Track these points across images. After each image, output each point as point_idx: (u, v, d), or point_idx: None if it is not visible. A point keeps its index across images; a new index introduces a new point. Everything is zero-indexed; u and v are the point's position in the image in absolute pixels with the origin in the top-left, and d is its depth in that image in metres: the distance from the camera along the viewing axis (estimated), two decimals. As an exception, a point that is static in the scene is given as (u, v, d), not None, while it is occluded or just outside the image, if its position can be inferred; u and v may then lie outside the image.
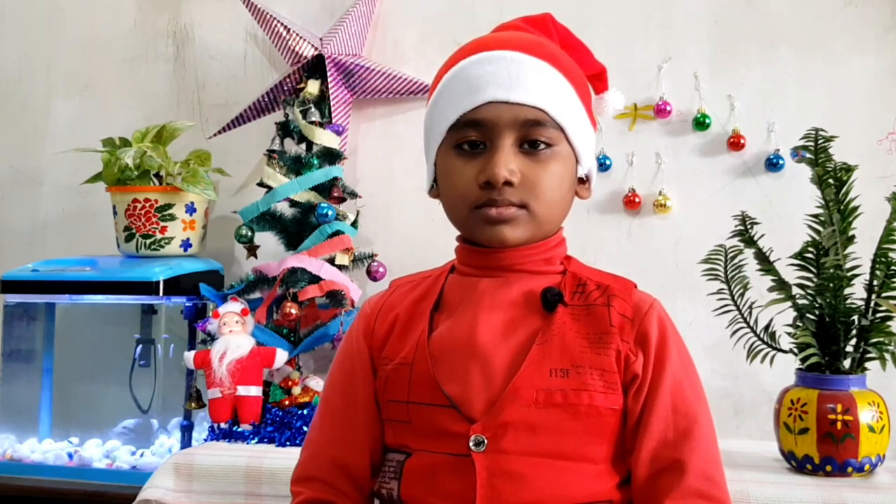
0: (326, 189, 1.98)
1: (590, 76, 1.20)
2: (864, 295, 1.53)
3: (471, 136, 1.06)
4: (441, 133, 1.09)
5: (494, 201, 1.04)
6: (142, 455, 1.95)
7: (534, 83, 1.05)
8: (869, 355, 1.52)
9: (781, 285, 1.57)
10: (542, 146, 1.05)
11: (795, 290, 1.56)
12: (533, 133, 1.05)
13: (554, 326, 1.04)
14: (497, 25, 1.19)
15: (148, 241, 2.03)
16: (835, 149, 1.52)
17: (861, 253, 1.53)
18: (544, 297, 1.06)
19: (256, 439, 1.78)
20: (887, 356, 1.50)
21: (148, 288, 1.92)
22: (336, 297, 1.90)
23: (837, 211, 1.51)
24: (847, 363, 1.53)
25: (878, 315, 1.52)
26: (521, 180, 1.04)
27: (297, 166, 1.97)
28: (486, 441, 1.00)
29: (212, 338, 1.86)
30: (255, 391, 1.81)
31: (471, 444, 1.00)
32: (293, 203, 1.99)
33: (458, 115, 1.06)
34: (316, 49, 2.06)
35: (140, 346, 2.08)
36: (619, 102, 1.24)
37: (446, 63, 1.13)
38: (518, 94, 1.04)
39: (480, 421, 1.01)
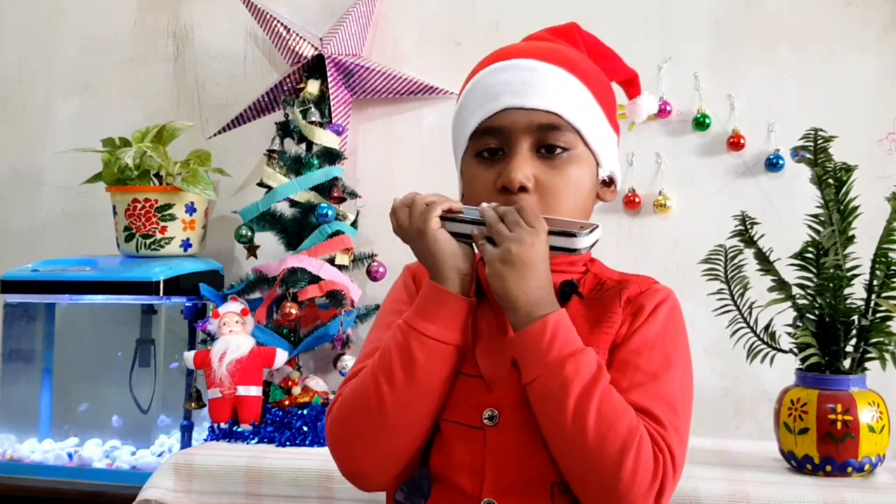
0: (326, 189, 1.98)
1: (621, 82, 1.23)
2: (864, 295, 1.53)
3: (490, 144, 1.08)
4: (464, 142, 1.11)
5: None
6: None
7: (547, 88, 1.07)
8: (869, 355, 1.52)
9: (781, 285, 1.57)
10: (559, 150, 1.07)
11: (795, 290, 1.56)
12: (549, 137, 1.07)
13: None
14: (525, 37, 1.20)
15: (148, 241, 2.03)
16: (835, 149, 1.52)
17: (861, 253, 1.53)
18: (561, 289, 1.08)
19: (256, 439, 1.78)
20: (887, 356, 1.50)
21: (148, 288, 1.92)
22: (336, 297, 1.90)
23: (837, 211, 1.51)
24: (847, 363, 1.53)
25: (878, 315, 1.52)
26: (537, 185, 1.06)
27: (297, 166, 1.97)
28: (498, 415, 1.02)
29: (212, 338, 1.86)
30: (255, 391, 1.81)
31: (484, 417, 1.03)
32: (293, 203, 1.99)
33: (477, 123, 1.09)
34: (316, 49, 2.06)
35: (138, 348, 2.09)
36: (653, 106, 1.27)
37: (468, 75, 1.15)
38: (532, 99, 1.06)
39: (493, 395, 1.03)
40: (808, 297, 1.54)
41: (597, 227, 1.03)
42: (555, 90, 1.07)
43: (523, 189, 1.05)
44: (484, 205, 1.03)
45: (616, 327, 1.06)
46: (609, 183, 1.17)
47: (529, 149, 1.06)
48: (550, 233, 1.01)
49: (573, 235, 1.01)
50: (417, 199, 1.05)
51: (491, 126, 1.07)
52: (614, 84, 1.23)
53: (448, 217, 1.03)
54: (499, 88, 1.07)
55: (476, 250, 1.05)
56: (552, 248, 1.01)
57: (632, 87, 1.26)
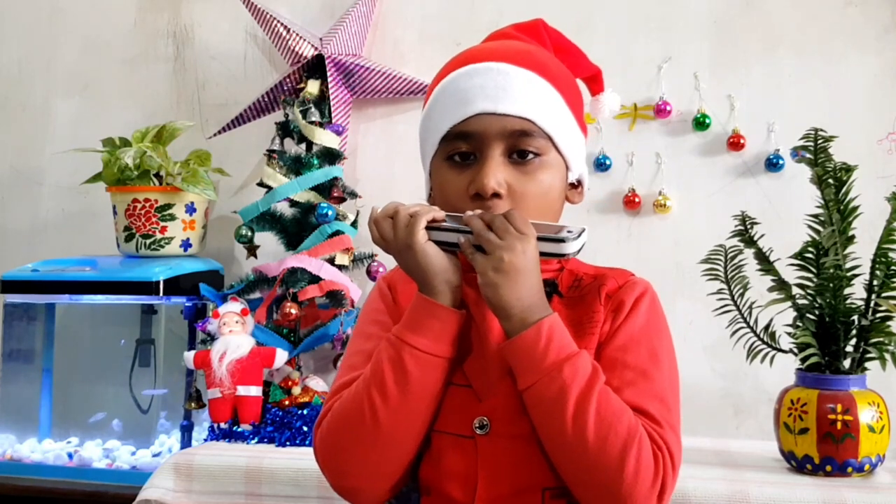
0: (326, 189, 1.98)
1: (585, 79, 1.21)
2: (864, 295, 1.53)
3: (461, 148, 1.07)
4: (434, 144, 1.10)
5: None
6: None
7: (520, 94, 1.06)
8: (869, 355, 1.52)
9: (781, 285, 1.57)
10: (531, 156, 1.07)
11: (795, 290, 1.56)
12: (521, 143, 1.06)
13: None
14: (490, 34, 1.20)
15: (148, 241, 2.03)
16: (835, 149, 1.52)
17: (861, 253, 1.53)
18: None
19: (256, 439, 1.78)
20: (887, 356, 1.50)
21: (148, 288, 1.92)
22: (336, 297, 1.90)
23: (837, 211, 1.51)
24: (847, 363, 1.53)
25: (878, 315, 1.52)
26: (509, 191, 1.05)
27: (297, 166, 1.97)
28: (489, 424, 1.02)
29: (212, 338, 1.86)
30: (255, 391, 1.81)
31: (475, 426, 1.02)
32: (293, 203, 1.99)
33: (449, 127, 1.07)
34: (316, 49, 2.06)
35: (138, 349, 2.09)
36: (615, 104, 1.26)
37: (438, 75, 1.14)
38: (505, 105, 1.05)
39: (484, 404, 1.03)
40: (808, 297, 1.54)
41: (584, 230, 1.02)
42: (528, 96, 1.06)
43: (496, 195, 1.04)
44: (469, 213, 1.02)
45: (600, 326, 1.05)
46: (577, 185, 1.16)
47: (502, 154, 1.05)
48: (539, 238, 1.00)
49: (562, 241, 1.00)
50: (401, 209, 1.04)
51: (463, 130, 1.06)
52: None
53: (432, 227, 1.02)
54: (472, 93, 1.06)
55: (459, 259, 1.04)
56: (541, 254, 1.00)
57: (595, 83, 1.24)
